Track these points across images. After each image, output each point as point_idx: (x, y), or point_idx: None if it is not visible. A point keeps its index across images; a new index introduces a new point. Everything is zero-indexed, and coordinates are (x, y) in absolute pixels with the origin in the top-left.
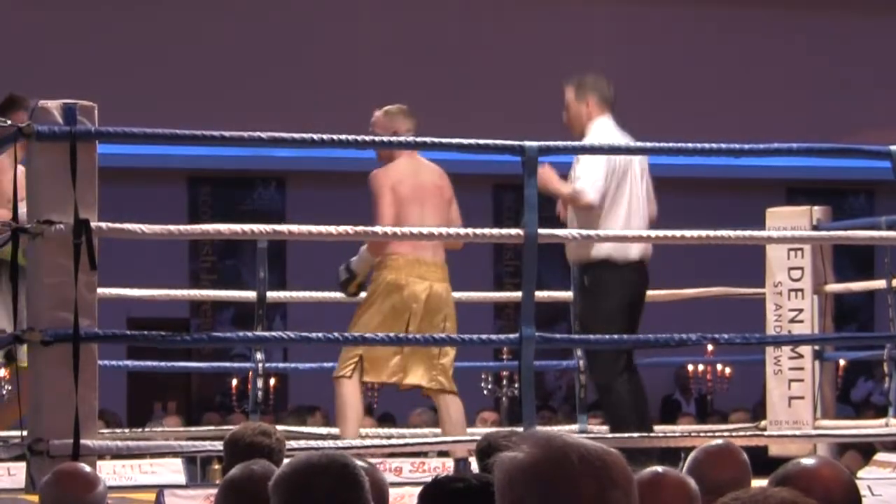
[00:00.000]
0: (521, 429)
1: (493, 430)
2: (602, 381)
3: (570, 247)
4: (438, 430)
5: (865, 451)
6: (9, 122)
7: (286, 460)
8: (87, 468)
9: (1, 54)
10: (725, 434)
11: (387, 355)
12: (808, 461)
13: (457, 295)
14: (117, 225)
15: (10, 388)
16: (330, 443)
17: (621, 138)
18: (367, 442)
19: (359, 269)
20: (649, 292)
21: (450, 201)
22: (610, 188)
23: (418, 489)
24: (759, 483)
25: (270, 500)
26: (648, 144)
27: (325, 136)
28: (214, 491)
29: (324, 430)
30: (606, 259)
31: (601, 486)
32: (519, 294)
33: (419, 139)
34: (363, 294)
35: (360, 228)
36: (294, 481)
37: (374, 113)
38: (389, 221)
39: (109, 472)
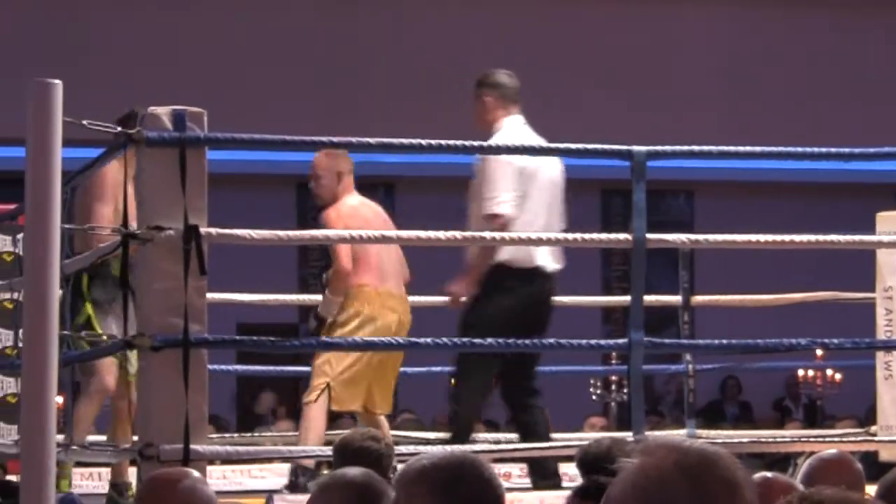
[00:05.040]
0: (621, 435)
1: (595, 436)
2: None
3: (471, 249)
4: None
5: None
6: (119, 128)
7: (431, 453)
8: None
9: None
10: (835, 439)
11: (358, 382)
12: None
13: (565, 299)
14: (226, 231)
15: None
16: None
17: (530, 138)
18: (477, 447)
19: (327, 313)
20: (757, 297)
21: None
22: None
23: (527, 494)
24: (871, 489)
25: (413, 486)
26: (758, 149)
27: (433, 142)
28: None
29: (431, 435)
30: (502, 263)
31: (732, 488)
32: (627, 298)
33: (526, 144)
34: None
35: (468, 234)
36: (445, 478)
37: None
38: (348, 256)
39: (219, 477)
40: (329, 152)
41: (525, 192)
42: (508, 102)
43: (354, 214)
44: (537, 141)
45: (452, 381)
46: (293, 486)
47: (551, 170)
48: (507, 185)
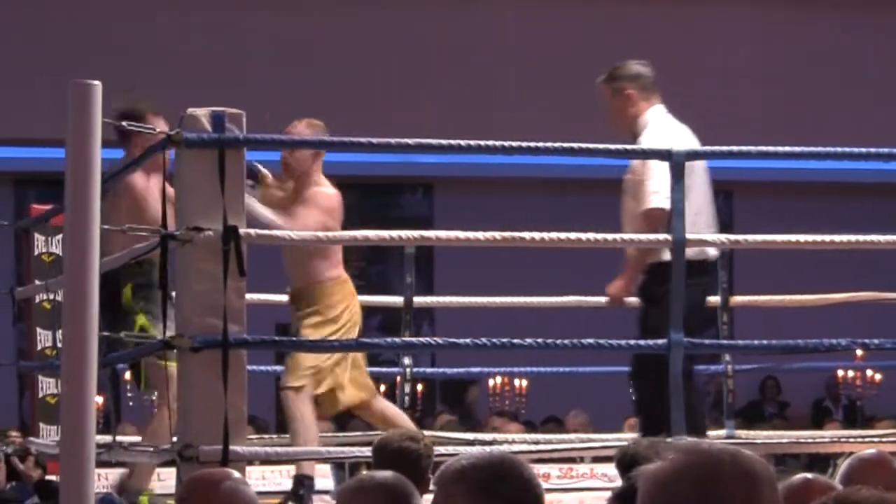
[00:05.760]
0: (661, 439)
1: (634, 438)
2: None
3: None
4: (590, 435)
5: None
6: (157, 129)
7: (469, 453)
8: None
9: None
10: (875, 439)
11: (331, 367)
12: None
13: (604, 300)
14: (266, 231)
15: (155, 395)
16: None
17: (679, 126)
18: (515, 448)
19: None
20: (796, 297)
21: None
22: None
23: (567, 495)
24: None
25: (451, 487)
26: (797, 149)
27: (471, 142)
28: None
29: (483, 437)
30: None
31: (750, 490)
32: None
33: (567, 145)
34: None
35: (507, 234)
36: (484, 478)
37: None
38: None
39: (258, 478)
40: (311, 123)
41: (688, 186)
42: (650, 93)
43: (336, 207)
44: (685, 130)
45: (638, 386)
46: (296, 497)
47: (704, 161)
48: (668, 180)
